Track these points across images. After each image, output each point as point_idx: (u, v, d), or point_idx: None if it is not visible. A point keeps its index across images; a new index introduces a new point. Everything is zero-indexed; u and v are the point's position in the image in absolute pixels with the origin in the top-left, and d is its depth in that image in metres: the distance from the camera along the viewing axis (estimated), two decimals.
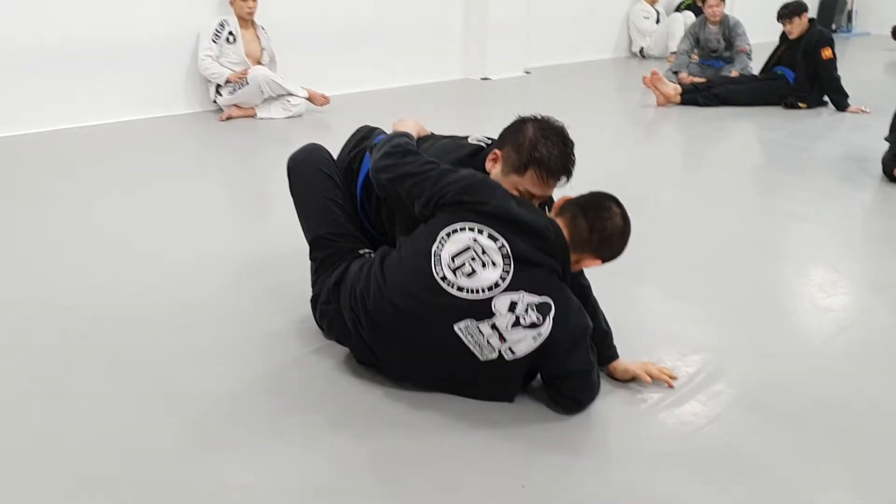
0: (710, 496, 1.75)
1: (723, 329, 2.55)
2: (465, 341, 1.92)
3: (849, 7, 11.78)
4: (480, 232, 1.90)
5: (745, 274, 2.97)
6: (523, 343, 1.90)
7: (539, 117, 2.17)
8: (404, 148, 2.16)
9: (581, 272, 2.17)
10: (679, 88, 6.24)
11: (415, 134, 2.37)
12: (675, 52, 7.47)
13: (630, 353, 2.33)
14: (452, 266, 1.90)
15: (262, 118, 5.57)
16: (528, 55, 7.79)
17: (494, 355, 1.92)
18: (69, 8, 5.09)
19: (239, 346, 2.36)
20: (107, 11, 5.25)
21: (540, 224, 1.93)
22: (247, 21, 5.59)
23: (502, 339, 1.90)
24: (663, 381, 2.15)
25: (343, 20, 6.52)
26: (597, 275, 2.86)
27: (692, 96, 6.21)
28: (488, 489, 1.76)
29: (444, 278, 1.90)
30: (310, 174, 2.41)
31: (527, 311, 1.88)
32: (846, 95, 6.00)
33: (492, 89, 7.05)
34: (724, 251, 3.20)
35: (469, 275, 1.88)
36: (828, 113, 6.01)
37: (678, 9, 9.21)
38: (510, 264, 1.88)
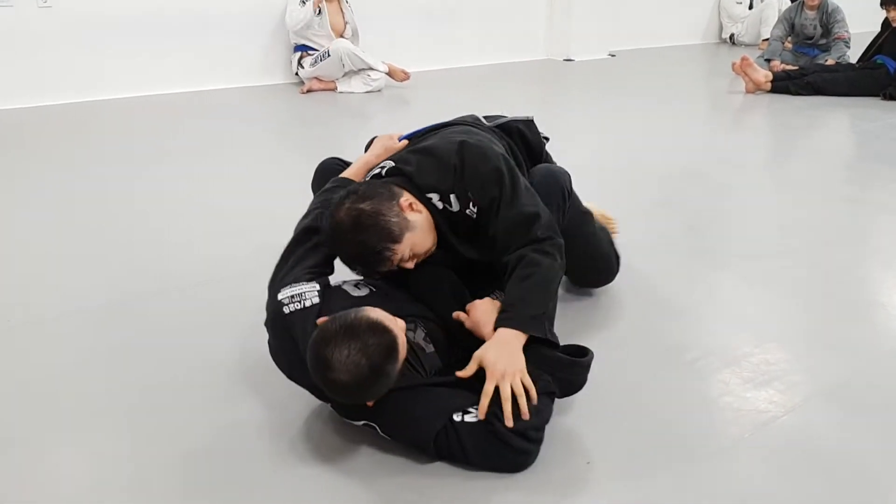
0: (783, 485, 1.67)
1: (803, 318, 2.44)
2: None
3: None
4: None
5: (830, 264, 2.84)
6: None
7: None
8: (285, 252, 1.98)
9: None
10: (770, 75, 6.02)
11: (374, 159, 2.13)
12: (767, 39, 7.22)
13: (707, 337, 2.27)
14: None
15: (342, 92, 5.61)
16: (613, 37, 7.66)
17: None
18: None
19: None
20: None
21: None
22: None
23: None
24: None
25: None
26: (675, 258, 2.80)
27: (783, 84, 5.98)
28: (556, 464, 1.71)
29: None
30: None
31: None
32: None
33: (575, 71, 6.94)
34: (810, 240, 3.06)
35: None
36: None
37: None
38: None
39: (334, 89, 5.63)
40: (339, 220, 1.81)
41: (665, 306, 2.45)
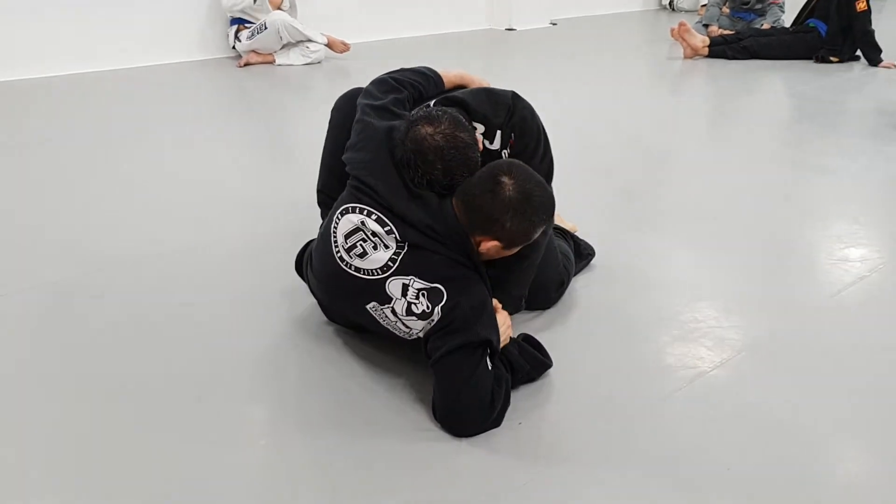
0: (712, 438, 1.72)
1: (735, 277, 2.49)
2: (382, 323, 1.82)
3: None
4: (369, 215, 1.78)
5: (762, 225, 2.90)
6: (423, 333, 1.77)
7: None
8: (393, 78, 2.13)
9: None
10: (707, 41, 6.10)
11: (452, 79, 2.24)
12: (706, 5, 7.29)
13: (639, 298, 2.31)
14: (346, 246, 1.79)
15: (280, 64, 5.53)
16: (554, 6, 7.67)
17: (411, 338, 1.81)
18: None
19: (246, 291, 2.36)
20: None
21: (422, 221, 1.75)
22: None
23: (406, 326, 1.77)
24: None
25: None
26: (611, 224, 2.83)
27: (720, 49, 6.06)
28: None
29: (341, 258, 1.80)
30: (331, 124, 2.24)
31: (417, 297, 1.73)
32: (879, 50, 5.83)
33: (517, 40, 6.94)
34: (744, 202, 3.12)
35: (361, 256, 1.77)
36: (860, 68, 5.84)
37: None
38: (403, 247, 1.75)
39: (273, 62, 5.55)
40: (433, 143, 1.77)
41: (598, 270, 2.48)
